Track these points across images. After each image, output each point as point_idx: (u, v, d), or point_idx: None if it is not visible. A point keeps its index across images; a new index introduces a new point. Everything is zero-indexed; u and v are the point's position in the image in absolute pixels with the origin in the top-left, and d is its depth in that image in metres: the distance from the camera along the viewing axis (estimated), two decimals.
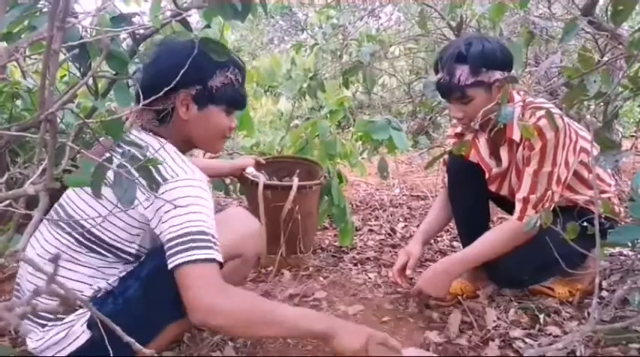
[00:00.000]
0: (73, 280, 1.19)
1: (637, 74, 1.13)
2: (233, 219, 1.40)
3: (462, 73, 1.51)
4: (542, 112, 1.47)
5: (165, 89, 1.04)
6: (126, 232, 1.19)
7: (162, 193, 1.11)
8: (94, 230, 1.18)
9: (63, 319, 1.18)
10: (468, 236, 1.74)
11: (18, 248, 0.51)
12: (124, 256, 1.21)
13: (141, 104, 0.93)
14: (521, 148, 1.58)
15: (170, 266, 1.09)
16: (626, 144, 3.93)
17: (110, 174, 0.87)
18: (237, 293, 1.13)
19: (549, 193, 1.53)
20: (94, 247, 1.19)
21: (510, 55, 1.55)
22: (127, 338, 0.62)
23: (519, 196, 1.57)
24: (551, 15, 2.55)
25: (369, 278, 1.96)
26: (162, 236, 1.12)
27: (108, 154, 0.95)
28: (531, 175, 1.53)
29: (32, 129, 1.04)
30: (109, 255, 1.20)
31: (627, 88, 1.26)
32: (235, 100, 1.33)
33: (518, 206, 1.57)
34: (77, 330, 1.17)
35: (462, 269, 1.69)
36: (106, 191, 1.14)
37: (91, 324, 1.16)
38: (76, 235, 1.19)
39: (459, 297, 1.73)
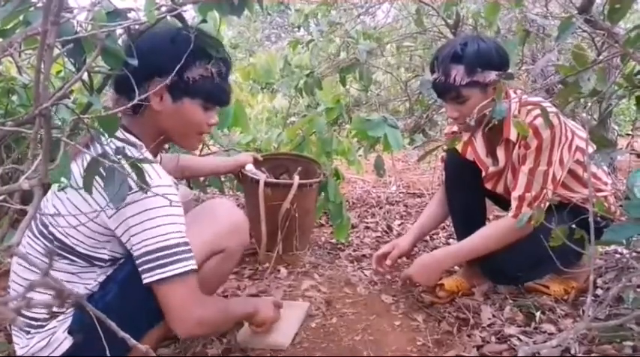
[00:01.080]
0: None
1: (632, 73, 1.14)
2: (216, 211, 1.34)
3: (458, 73, 1.51)
4: (538, 111, 1.48)
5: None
6: (92, 238, 1.14)
7: (130, 204, 1.07)
8: (59, 237, 1.13)
9: (45, 326, 1.16)
10: (464, 234, 1.74)
11: (12, 243, 0.50)
12: (96, 262, 1.16)
13: (141, 98, 0.92)
14: (517, 146, 1.59)
15: (146, 281, 1.10)
16: (622, 142, 3.94)
17: (78, 174, 0.84)
18: (210, 302, 1.23)
19: (545, 191, 1.53)
20: (64, 253, 1.14)
21: (506, 56, 1.55)
22: (122, 334, 0.62)
23: (515, 194, 1.57)
24: (547, 13, 2.55)
25: (365, 275, 1.96)
26: (133, 249, 1.10)
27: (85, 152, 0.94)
28: (527, 173, 1.54)
29: (28, 124, 1.03)
30: (79, 261, 1.15)
31: (622, 86, 1.26)
32: (214, 96, 1.25)
33: (513, 204, 1.58)
34: (59, 337, 1.15)
35: (455, 262, 1.71)
36: (72, 195, 1.12)
37: (72, 330, 1.15)
38: (45, 241, 1.15)
39: (455, 294, 1.74)
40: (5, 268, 1.75)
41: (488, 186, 1.74)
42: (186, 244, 1.11)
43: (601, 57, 1.73)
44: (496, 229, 1.62)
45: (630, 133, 4.07)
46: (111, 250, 1.16)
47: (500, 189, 1.72)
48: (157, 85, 1.11)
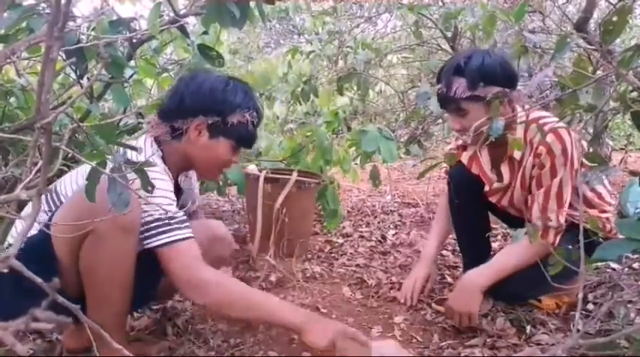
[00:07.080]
0: None
1: (626, 92, 1.15)
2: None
3: (459, 86, 1.51)
4: (550, 125, 1.48)
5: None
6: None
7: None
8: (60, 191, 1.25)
9: None
10: (469, 248, 1.73)
11: (9, 254, 0.51)
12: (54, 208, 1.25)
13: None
14: (531, 158, 1.57)
15: (151, 245, 1.19)
16: (617, 156, 3.97)
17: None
18: (223, 275, 1.29)
19: (564, 205, 1.53)
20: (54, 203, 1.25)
21: (511, 71, 1.54)
22: (73, 306, 0.55)
23: (537, 214, 1.55)
24: (545, 28, 2.58)
25: (358, 285, 1.96)
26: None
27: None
28: (544, 192, 1.53)
29: (26, 129, 1.04)
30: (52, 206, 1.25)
31: (617, 101, 1.27)
32: (245, 140, 1.40)
33: (539, 223, 1.54)
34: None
35: (490, 280, 1.59)
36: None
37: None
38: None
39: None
40: None
41: (493, 200, 1.73)
42: (183, 216, 1.22)
43: (598, 72, 1.75)
44: (526, 247, 1.51)
45: (624, 147, 4.10)
46: None
47: (505, 202, 1.71)
48: (198, 122, 1.30)
